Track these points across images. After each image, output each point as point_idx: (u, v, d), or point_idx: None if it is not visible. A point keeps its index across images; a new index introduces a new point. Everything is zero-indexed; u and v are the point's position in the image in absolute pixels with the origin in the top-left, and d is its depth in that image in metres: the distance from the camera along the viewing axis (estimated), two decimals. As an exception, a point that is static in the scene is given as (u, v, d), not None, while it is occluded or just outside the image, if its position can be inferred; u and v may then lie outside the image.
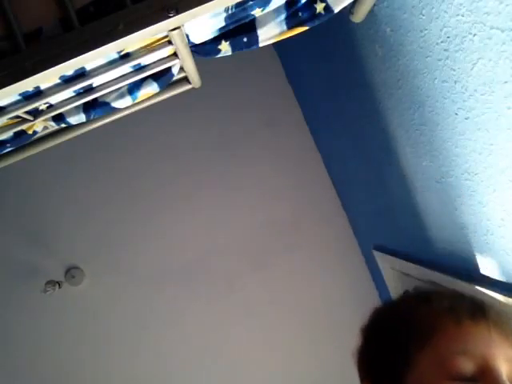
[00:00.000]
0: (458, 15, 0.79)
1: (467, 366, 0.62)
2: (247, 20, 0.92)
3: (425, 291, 0.82)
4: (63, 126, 1.13)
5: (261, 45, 0.97)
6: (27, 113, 0.98)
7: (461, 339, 0.65)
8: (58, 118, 1.08)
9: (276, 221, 2.31)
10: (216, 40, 0.94)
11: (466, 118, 0.91)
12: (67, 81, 0.91)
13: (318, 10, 0.94)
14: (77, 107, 1.05)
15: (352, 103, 1.61)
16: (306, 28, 0.97)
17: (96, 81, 0.95)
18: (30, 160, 1.28)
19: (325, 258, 2.32)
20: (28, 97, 0.91)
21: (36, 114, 1.02)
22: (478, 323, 0.66)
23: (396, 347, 0.69)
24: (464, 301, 0.72)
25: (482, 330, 0.65)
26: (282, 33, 0.96)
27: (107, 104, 1.06)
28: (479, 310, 0.68)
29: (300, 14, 0.95)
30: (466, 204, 1.08)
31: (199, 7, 0.77)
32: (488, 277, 1.13)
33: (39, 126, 1.11)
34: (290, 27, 0.96)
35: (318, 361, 2.29)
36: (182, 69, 1.07)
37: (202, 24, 0.89)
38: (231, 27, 0.92)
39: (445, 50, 0.88)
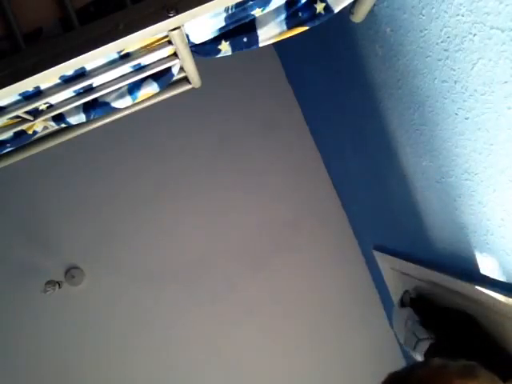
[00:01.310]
0: (458, 15, 0.79)
1: None
2: (247, 20, 0.92)
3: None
4: (63, 125, 1.13)
5: (261, 45, 0.97)
6: (27, 113, 0.98)
7: None
8: (58, 118, 1.08)
9: (276, 221, 2.31)
10: (216, 40, 0.94)
11: (466, 118, 0.91)
12: (67, 81, 0.91)
13: (318, 10, 0.95)
14: (77, 107, 1.05)
15: (352, 103, 1.61)
16: (305, 28, 0.97)
17: (96, 81, 0.95)
18: (29, 160, 1.28)
19: (325, 258, 2.32)
20: (28, 97, 0.91)
21: (36, 113, 1.02)
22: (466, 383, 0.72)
23: None
24: (457, 361, 0.78)
25: None
26: (281, 33, 0.96)
27: (107, 104, 1.06)
28: (469, 371, 0.74)
29: (300, 14, 0.95)
30: (465, 204, 1.08)
31: (199, 7, 0.77)
32: (488, 277, 1.13)
33: (39, 125, 1.10)
34: (290, 27, 0.96)
35: (318, 360, 2.29)
36: (181, 69, 1.07)
37: (201, 24, 0.89)
38: (231, 27, 0.92)
39: (445, 50, 0.88)
